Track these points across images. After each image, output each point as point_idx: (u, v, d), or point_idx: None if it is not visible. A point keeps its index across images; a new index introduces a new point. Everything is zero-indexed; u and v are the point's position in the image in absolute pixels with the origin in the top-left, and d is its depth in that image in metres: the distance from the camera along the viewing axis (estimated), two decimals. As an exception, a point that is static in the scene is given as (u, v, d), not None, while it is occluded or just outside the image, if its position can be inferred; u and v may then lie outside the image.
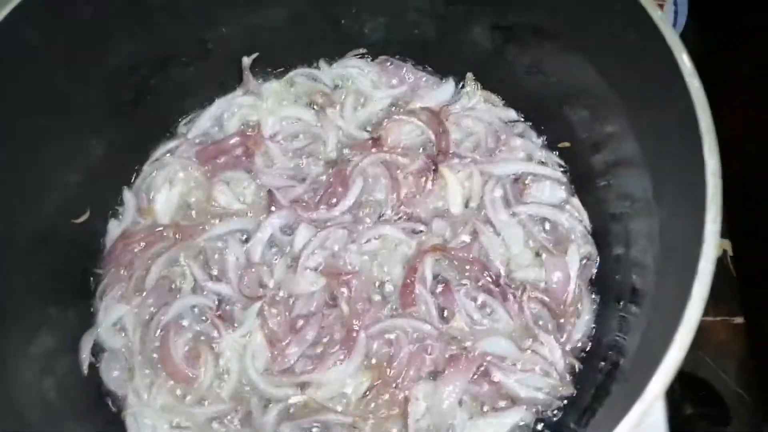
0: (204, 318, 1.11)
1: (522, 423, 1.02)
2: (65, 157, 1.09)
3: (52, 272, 1.07)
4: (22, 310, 0.99)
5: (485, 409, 1.04)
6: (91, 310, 1.14)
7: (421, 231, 1.15)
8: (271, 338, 1.08)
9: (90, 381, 1.08)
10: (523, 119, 1.27)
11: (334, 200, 1.18)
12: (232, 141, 1.25)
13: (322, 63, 1.32)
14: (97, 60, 1.06)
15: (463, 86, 1.29)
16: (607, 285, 1.10)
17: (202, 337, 1.10)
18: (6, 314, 0.95)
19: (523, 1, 1.07)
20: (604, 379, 0.95)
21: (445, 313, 1.09)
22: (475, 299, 1.09)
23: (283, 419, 1.03)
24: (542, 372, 1.04)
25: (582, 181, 1.18)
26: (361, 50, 1.32)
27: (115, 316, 1.12)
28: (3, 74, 0.92)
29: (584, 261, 1.13)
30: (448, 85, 1.29)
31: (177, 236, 1.17)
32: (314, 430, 1.03)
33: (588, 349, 1.08)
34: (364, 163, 1.19)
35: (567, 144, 1.20)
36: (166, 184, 1.22)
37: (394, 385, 1.04)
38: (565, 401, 1.03)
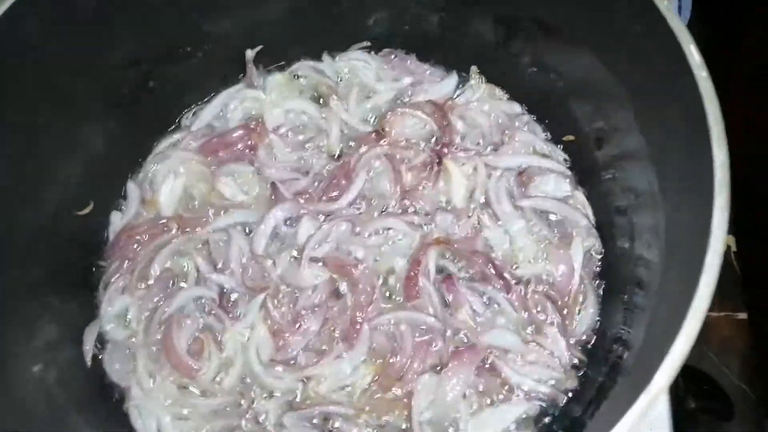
0: (207, 310, 1.11)
1: (526, 416, 1.02)
2: (67, 150, 1.08)
3: (55, 264, 1.07)
4: (24, 303, 0.99)
5: (489, 401, 1.04)
6: (95, 302, 1.14)
7: (425, 224, 1.15)
8: (275, 330, 1.08)
9: (93, 373, 1.08)
10: (527, 112, 1.26)
11: (338, 193, 1.17)
12: (236, 134, 1.25)
13: (325, 56, 1.32)
14: (99, 53, 1.05)
15: (467, 80, 1.28)
16: (612, 278, 1.10)
17: (206, 329, 1.10)
18: (8, 306, 0.95)
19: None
20: (609, 372, 0.95)
21: (449, 306, 1.09)
22: (479, 292, 1.09)
23: (286, 411, 1.04)
24: (546, 365, 1.04)
25: (586, 175, 1.18)
26: (365, 43, 1.31)
27: (119, 308, 1.12)
28: (3, 68, 0.91)
29: (588, 254, 1.13)
30: (452, 79, 1.28)
31: (180, 228, 1.17)
32: (317, 421, 1.03)
33: (592, 342, 1.08)
34: (368, 155, 1.19)
35: (571, 137, 1.20)
36: (170, 177, 1.21)
37: (397, 377, 1.04)
38: (570, 394, 1.03)
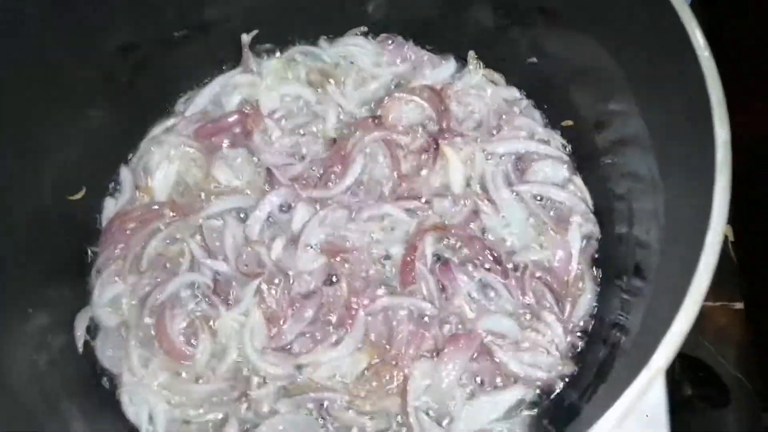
0: (201, 296, 1.10)
1: (522, 401, 1.02)
2: (61, 135, 1.06)
3: (48, 250, 1.06)
4: (16, 288, 0.97)
5: (485, 387, 1.03)
6: (87, 288, 1.13)
7: (422, 210, 1.14)
8: (270, 316, 1.07)
9: (85, 359, 1.07)
10: (525, 97, 1.25)
11: (334, 178, 1.16)
12: (231, 119, 1.23)
13: (322, 41, 1.30)
14: (94, 38, 1.04)
15: (465, 65, 1.27)
16: (610, 264, 1.09)
17: (200, 315, 1.09)
18: (0, 292, 0.93)
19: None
20: (606, 357, 0.94)
21: (446, 292, 1.08)
22: (475, 278, 1.08)
23: (281, 397, 1.03)
24: (543, 350, 1.03)
25: (585, 160, 1.17)
26: (363, 28, 1.29)
27: (111, 294, 1.11)
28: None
29: (586, 240, 1.13)
30: (450, 64, 1.27)
31: (174, 214, 1.15)
32: (311, 407, 1.03)
33: (590, 328, 1.08)
34: (365, 141, 1.18)
35: (570, 122, 1.19)
36: (164, 162, 1.20)
37: (393, 363, 1.04)
38: (567, 379, 1.03)
